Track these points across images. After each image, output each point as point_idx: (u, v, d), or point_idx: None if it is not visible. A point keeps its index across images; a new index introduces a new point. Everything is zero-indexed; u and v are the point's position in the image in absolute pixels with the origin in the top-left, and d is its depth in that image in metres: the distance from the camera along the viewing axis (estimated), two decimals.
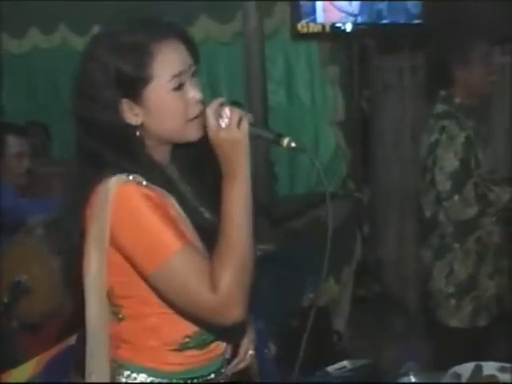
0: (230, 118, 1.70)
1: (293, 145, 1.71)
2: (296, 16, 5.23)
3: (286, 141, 1.71)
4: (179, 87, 1.73)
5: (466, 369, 2.55)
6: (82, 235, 1.75)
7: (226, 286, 1.63)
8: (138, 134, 1.76)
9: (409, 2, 5.23)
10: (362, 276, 5.49)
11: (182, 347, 1.80)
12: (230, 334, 1.89)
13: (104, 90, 1.72)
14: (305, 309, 4.63)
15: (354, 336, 5.13)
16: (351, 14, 5.23)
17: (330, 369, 3.00)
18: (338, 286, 5.28)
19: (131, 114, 1.74)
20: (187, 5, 5.45)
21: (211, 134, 1.71)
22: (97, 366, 1.79)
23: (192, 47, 1.79)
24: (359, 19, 5.24)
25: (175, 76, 1.72)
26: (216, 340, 1.87)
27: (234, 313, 1.66)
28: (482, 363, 2.58)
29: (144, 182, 1.70)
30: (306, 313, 4.57)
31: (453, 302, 3.38)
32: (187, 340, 1.80)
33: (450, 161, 3.27)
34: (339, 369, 3.00)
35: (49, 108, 6.67)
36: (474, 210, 3.27)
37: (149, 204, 1.67)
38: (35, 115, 6.32)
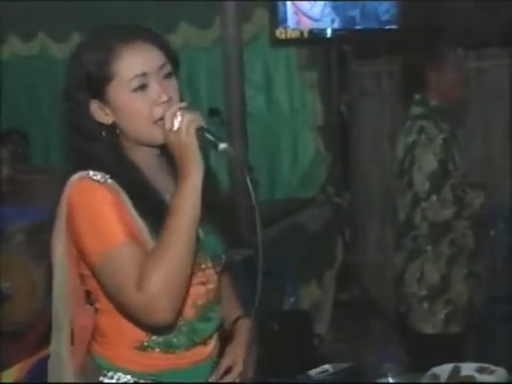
0: (180, 122, 1.72)
1: (226, 150, 1.69)
2: (274, 22, 5.24)
3: (221, 146, 1.70)
4: (142, 88, 1.75)
5: (443, 370, 2.56)
6: None
7: (152, 286, 1.62)
8: (110, 133, 1.80)
9: (379, 9, 5.25)
10: (343, 280, 5.50)
11: (143, 346, 1.80)
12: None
13: (77, 89, 1.77)
14: (285, 313, 4.65)
15: (336, 340, 5.14)
16: (313, 19, 5.23)
17: (312, 372, 3.00)
18: (319, 290, 5.30)
19: (103, 114, 1.78)
20: (167, 12, 5.45)
21: (164, 137, 1.74)
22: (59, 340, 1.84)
23: (167, 50, 1.81)
24: (335, 25, 5.25)
25: (137, 76, 1.75)
26: (194, 347, 1.85)
27: (160, 315, 1.65)
28: (461, 364, 2.60)
29: (103, 180, 1.72)
30: (286, 317, 4.61)
31: (425, 305, 3.38)
32: (147, 339, 1.79)
33: (428, 161, 3.28)
34: (321, 372, 3.00)
35: (28, 115, 6.66)
36: (451, 211, 3.29)
37: (102, 198, 1.70)
38: (14, 123, 6.30)
